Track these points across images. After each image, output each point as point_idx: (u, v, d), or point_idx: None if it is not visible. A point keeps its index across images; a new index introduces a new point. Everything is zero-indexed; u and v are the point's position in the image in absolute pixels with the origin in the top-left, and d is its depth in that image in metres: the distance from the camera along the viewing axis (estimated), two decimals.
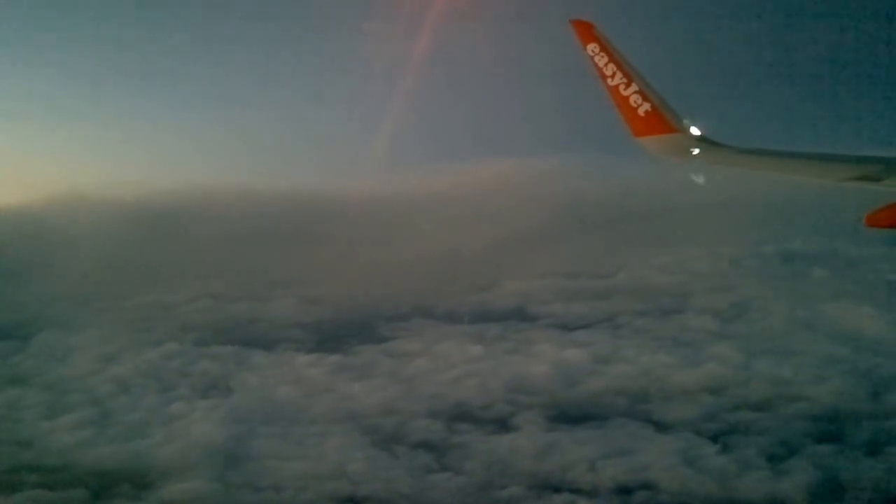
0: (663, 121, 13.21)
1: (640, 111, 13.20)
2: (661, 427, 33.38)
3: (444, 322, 57.30)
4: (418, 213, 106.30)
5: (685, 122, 13.40)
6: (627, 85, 13.20)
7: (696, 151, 12.86)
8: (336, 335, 53.07)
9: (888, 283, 63.77)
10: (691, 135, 13.23)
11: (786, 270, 74.52)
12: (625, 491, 27.31)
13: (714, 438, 31.63)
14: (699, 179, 13.13)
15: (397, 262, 78.78)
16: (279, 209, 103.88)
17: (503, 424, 34.71)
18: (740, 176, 12.14)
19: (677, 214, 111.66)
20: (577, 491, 27.30)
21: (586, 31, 13.38)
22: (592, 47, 13.30)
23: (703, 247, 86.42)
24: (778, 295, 60.88)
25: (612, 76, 13.24)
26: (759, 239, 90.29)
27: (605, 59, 13.25)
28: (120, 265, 72.75)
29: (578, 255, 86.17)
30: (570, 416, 35.58)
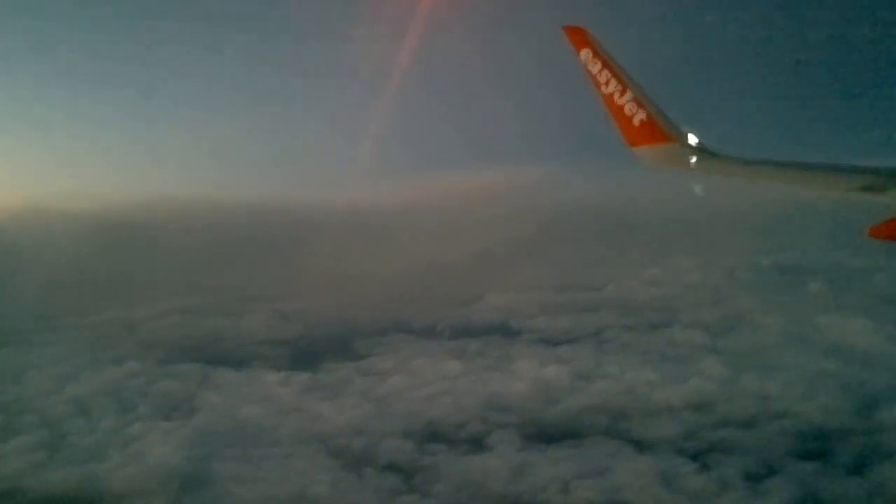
0: (659, 130, 13.08)
1: (635, 120, 13.10)
2: (640, 446, 33.57)
3: (424, 338, 57.54)
4: (402, 223, 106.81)
5: (682, 131, 13.25)
6: (622, 93, 13.09)
7: (693, 162, 12.74)
8: (310, 352, 53.17)
9: (885, 296, 64.43)
10: (688, 144, 13.09)
11: (781, 283, 75.08)
12: None
13: (694, 457, 31.86)
14: (697, 190, 13.18)
15: (378, 275, 79.09)
16: (255, 221, 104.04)
17: (477, 444, 34.81)
18: (739, 187, 12.13)
19: (672, 225, 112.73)
20: None
21: (579, 36, 13.29)
22: (585, 53, 13.21)
23: (697, 258, 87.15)
24: (771, 308, 61.37)
25: (606, 83, 13.14)
26: (755, 250, 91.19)
27: (599, 65, 13.16)
28: (84, 280, 72.63)
29: (568, 268, 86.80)
30: (547, 435, 35.73)
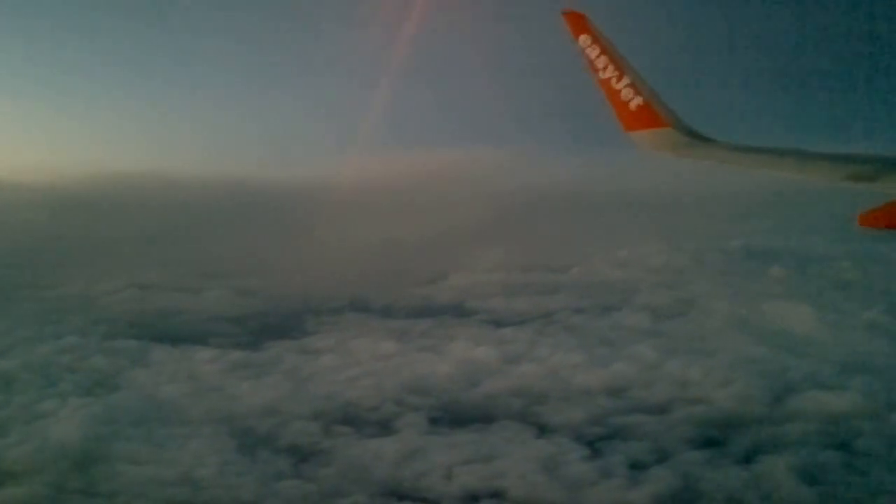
0: (655, 115, 13.32)
1: (632, 105, 13.32)
2: (542, 430, 32.86)
3: (379, 317, 57.08)
4: (371, 200, 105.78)
5: (678, 116, 13.51)
6: (619, 78, 13.29)
7: (688, 147, 12.93)
8: (260, 330, 52.70)
9: (840, 283, 63.35)
10: (684, 130, 13.35)
11: (745, 267, 73.94)
12: (472, 499, 26.80)
13: (591, 443, 31.10)
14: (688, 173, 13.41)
15: (344, 252, 78.31)
16: (223, 197, 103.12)
17: (384, 427, 34.11)
18: (730, 171, 12.18)
19: (650, 207, 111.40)
20: (423, 499, 26.80)
21: (578, 22, 13.46)
22: (584, 39, 13.38)
23: (671, 241, 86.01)
24: (725, 292, 60.48)
25: (604, 69, 13.36)
26: (729, 234, 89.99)
27: (597, 51, 13.35)
28: (45, 253, 72.02)
29: (539, 248, 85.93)
30: (457, 418, 35.01)
